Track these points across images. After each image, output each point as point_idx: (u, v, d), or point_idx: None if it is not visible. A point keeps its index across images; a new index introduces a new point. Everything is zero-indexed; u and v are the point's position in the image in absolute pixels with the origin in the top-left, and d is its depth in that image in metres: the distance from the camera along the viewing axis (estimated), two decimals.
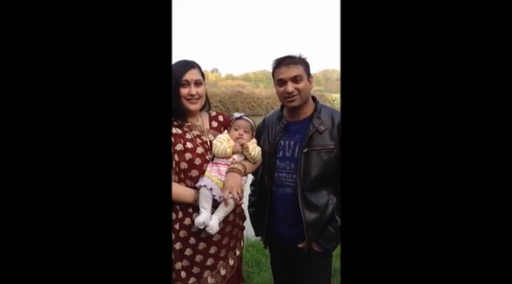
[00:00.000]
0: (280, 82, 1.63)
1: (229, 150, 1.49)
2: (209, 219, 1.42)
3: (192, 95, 1.49)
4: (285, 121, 1.71)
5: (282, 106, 1.77)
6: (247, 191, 1.61)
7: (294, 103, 1.62)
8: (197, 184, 1.46)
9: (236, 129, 1.58)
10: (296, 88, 1.59)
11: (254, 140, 1.63)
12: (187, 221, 1.47)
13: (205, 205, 1.43)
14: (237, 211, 1.59)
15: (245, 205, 1.76)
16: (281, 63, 1.62)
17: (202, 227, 1.42)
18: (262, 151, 1.66)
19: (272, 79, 1.69)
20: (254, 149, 1.56)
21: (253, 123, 1.64)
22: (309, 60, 1.68)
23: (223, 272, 1.55)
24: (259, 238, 1.86)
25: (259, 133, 1.77)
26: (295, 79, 1.60)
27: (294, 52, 1.68)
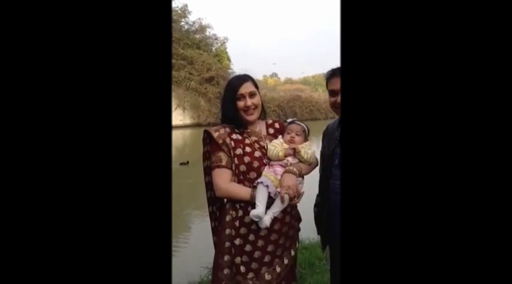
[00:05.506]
0: (332, 93, 1.65)
1: (281, 154, 1.61)
2: (263, 213, 1.51)
3: (248, 106, 1.63)
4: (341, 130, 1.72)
5: None
6: (307, 192, 1.66)
7: None
8: (255, 182, 1.57)
9: (288, 133, 1.69)
10: None
11: (307, 143, 1.70)
12: (247, 219, 1.57)
13: (261, 200, 1.53)
14: (293, 213, 1.68)
15: (308, 205, 1.81)
16: (334, 74, 1.63)
17: (256, 219, 1.51)
18: (324, 157, 1.71)
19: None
20: (306, 152, 1.64)
21: (305, 127, 1.72)
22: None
23: (278, 269, 1.62)
24: (314, 240, 1.89)
25: (323, 139, 1.81)
26: None
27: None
